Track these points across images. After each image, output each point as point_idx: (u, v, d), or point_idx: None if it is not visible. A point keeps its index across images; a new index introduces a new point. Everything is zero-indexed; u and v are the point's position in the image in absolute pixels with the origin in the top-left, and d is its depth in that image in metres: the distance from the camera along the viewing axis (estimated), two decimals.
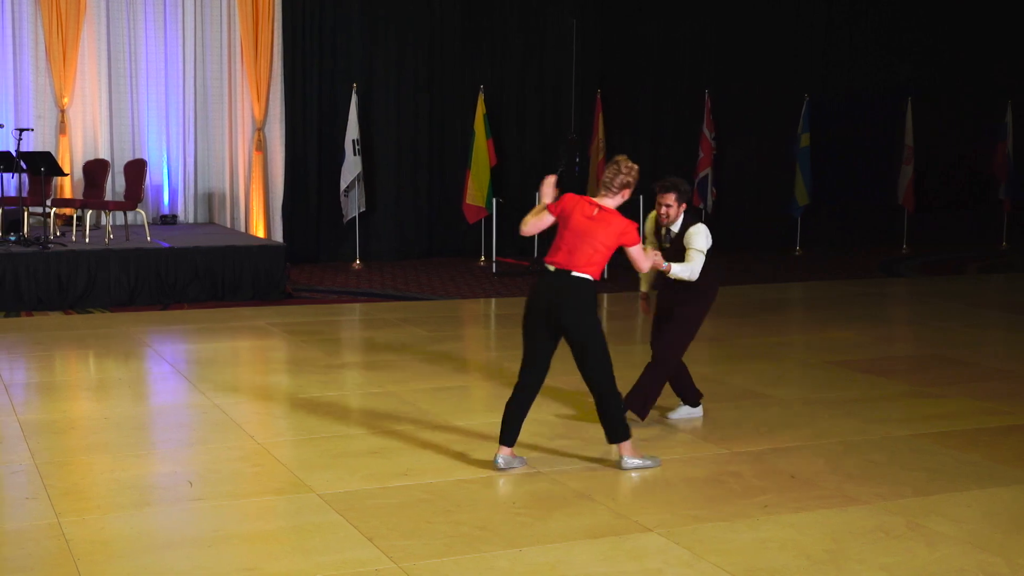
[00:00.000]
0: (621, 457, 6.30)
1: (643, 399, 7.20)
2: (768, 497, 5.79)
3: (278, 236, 15.49)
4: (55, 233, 12.97)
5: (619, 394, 6.32)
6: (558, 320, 6.13)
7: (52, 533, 5.15)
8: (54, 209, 13.26)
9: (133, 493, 5.78)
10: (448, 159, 16.85)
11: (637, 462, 6.29)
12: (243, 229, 15.57)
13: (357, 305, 12.53)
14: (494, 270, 15.08)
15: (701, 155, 17.32)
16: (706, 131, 17.31)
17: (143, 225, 13.34)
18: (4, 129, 13.44)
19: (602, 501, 5.69)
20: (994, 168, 19.41)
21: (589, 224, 6.17)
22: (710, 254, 7.03)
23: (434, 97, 16.78)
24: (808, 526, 5.36)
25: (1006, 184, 19.30)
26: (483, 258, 16.00)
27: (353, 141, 15.26)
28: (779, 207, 18.26)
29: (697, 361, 9.58)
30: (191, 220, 15.65)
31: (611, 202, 6.25)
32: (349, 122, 15.32)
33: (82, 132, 14.97)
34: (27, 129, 12.68)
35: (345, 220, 15.66)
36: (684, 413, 7.48)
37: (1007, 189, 19.32)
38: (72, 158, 14.78)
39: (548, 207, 6.31)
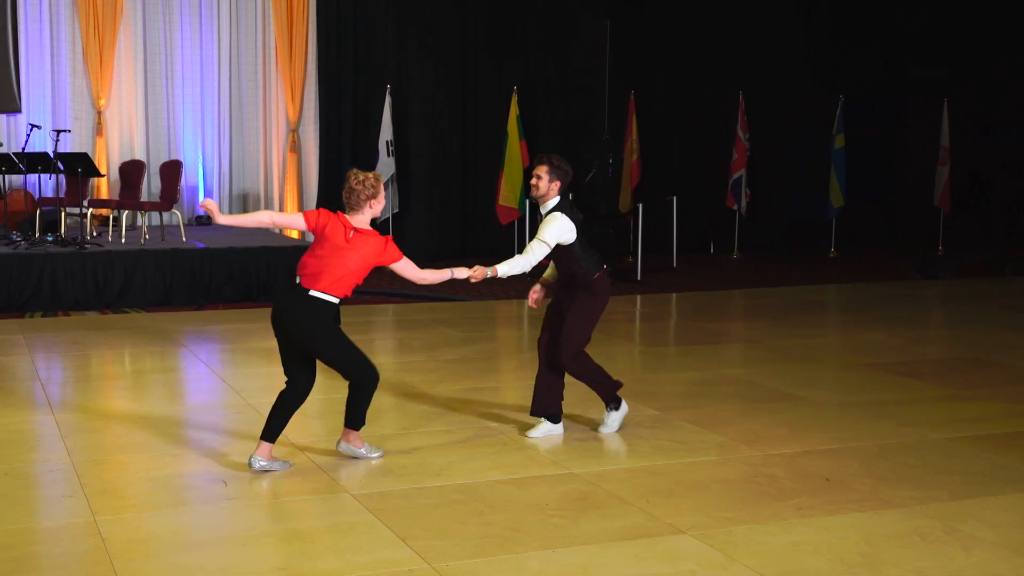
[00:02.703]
0: (341, 442, 6.42)
1: (601, 388, 6.98)
2: (802, 500, 5.77)
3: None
4: (92, 233, 13.08)
5: (373, 380, 6.29)
6: (292, 335, 6.14)
7: (88, 531, 5.19)
8: (91, 210, 13.38)
9: (168, 492, 5.82)
10: (481, 160, 16.87)
11: (360, 451, 6.42)
12: (277, 230, 15.64)
13: (390, 306, 12.56)
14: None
15: (735, 156, 17.28)
16: (740, 132, 17.25)
17: (178, 226, 13.43)
18: (42, 130, 13.56)
19: (635, 502, 5.68)
20: None
21: (344, 247, 6.14)
22: (581, 250, 6.73)
23: (467, 98, 16.81)
24: (842, 529, 5.33)
25: None
26: None
27: (387, 142, 15.30)
28: (813, 209, 18.19)
29: (731, 363, 9.58)
30: None
31: (363, 219, 6.25)
32: (383, 123, 15.36)
33: (118, 133, 15.10)
34: (64, 130, 12.78)
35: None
36: (544, 431, 6.97)
37: None
38: (108, 159, 14.91)
39: (304, 218, 6.36)
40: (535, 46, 17.18)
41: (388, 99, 15.39)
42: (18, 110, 14.54)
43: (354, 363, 6.25)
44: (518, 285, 14.00)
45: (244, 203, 15.91)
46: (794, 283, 14.69)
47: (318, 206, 15.75)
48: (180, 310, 11.80)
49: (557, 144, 17.17)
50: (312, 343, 6.13)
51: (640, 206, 15.16)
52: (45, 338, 10.19)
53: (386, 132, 15.33)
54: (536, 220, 15.87)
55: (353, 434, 6.42)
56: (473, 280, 6.65)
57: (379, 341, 10.94)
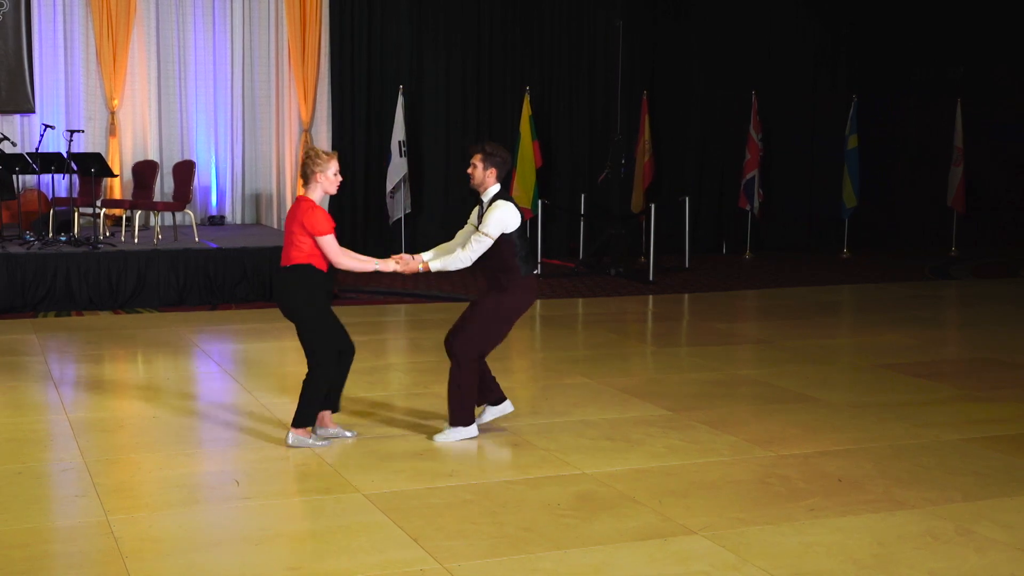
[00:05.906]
0: (288, 432, 6.63)
1: (459, 405, 6.79)
2: (815, 501, 5.75)
3: None
4: (105, 234, 13.10)
5: (325, 379, 6.58)
6: (283, 311, 6.73)
7: (101, 531, 5.20)
8: (104, 210, 13.40)
9: (181, 491, 5.82)
10: None
11: (303, 439, 6.59)
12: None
13: (403, 306, 12.56)
14: (539, 272, 15.07)
15: (748, 156, 17.24)
16: (753, 132, 17.21)
17: (191, 226, 13.46)
18: (55, 130, 13.59)
19: (647, 503, 5.67)
20: None
21: (288, 219, 6.59)
22: (520, 243, 6.72)
23: (480, 98, 16.81)
24: (855, 530, 5.31)
25: None
26: None
27: (399, 142, 15.32)
28: (827, 209, 18.15)
29: (744, 363, 9.56)
30: (239, 221, 15.76)
31: (315, 194, 6.58)
32: (395, 124, 15.37)
33: (131, 133, 15.13)
34: (78, 131, 12.80)
35: (391, 222, 15.71)
36: (489, 415, 7.04)
37: None
38: (122, 159, 14.93)
39: (333, 235, 6.62)
40: (548, 46, 17.17)
41: (401, 100, 15.41)
42: (32, 110, 14.59)
43: (319, 352, 6.64)
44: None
45: (256, 203, 15.93)
46: (807, 284, 14.65)
47: (330, 206, 15.76)
48: (193, 310, 11.82)
49: (570, 144, 17.20)
50: (291, 312, 6.69)
51: (653, 206, 15.13)
52: (58, 338, 10.21)
53: (399, 133, 15.35)
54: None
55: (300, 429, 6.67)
56: (402, 271, 6.77)
57: (391, 341, 10.94)
